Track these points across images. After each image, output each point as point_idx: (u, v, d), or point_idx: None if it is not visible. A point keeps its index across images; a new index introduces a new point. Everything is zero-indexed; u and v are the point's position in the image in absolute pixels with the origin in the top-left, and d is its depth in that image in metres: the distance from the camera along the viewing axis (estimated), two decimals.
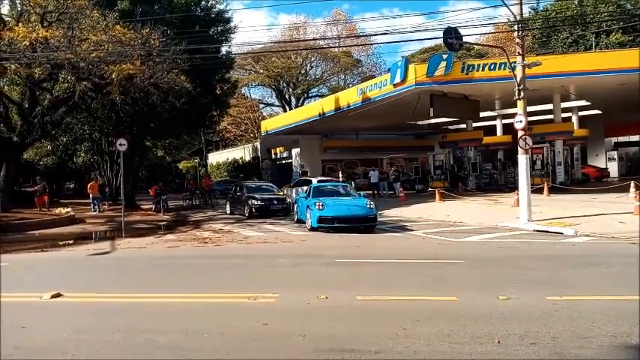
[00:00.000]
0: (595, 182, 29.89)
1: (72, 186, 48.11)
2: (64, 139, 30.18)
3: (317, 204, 14.49)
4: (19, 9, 20.34)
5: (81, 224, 18.82)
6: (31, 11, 19.58)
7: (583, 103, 28.60)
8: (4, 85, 21.18)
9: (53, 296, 6.66)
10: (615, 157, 36.69)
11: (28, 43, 16.55)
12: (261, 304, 6.20)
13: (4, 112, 22.30)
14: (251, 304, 6.21)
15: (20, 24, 18.00)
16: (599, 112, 31.43)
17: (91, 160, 33.98)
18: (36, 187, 24.73)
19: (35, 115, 20.67)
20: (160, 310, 6.16)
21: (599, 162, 36.59)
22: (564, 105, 27.26)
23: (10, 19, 19.66)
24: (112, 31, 17.80)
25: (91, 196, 23.98)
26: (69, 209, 21.77)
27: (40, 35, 16.82)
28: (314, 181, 23.85)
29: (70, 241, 14.65)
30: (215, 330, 5.15)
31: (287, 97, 54.74)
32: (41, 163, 35.59)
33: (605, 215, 14.70)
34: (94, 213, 22.85)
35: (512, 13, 14.89)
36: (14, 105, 21.47)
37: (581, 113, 30.48)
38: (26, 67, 18.04)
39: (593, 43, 35.03)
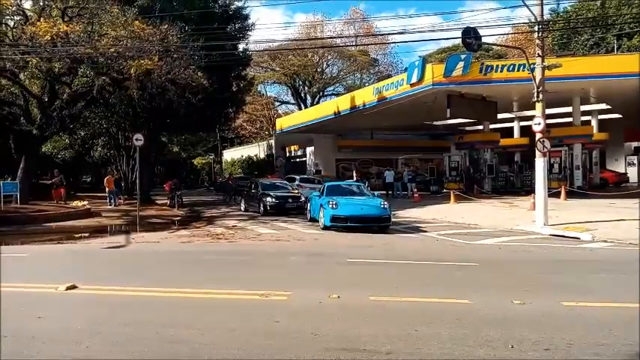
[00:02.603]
0: (614, 187, 29.40)
1: (89, 180, 48.80)
2: (82, 133, 30.57)
3: (330, 203, 14.46)
4: (41, 4, 20.65)
5: (97, 217, 19.05)
6: (53, 6, 19.87)
7: (603, 106, 28.15)
8: (25, 79, 21.47)
9: (68, 288, 6.74)
10: (635, 161, 36.05)
11: (49, 38, 16.79)
12: (274, 302, 6.20)
13: (25, 105, 22.66)
14: (263, 301, 6.21)
15: (42, 19, 18.27)
16: (620, 115, 30.91)
17: (108, 154, 34.45)
18: (53, 180, 25.13)
19: (54, 109, 20.96)
20: (172, 305, 6.20)
21: (619, 167, 35.98)
22: (584, 108, 26.85)
23: (32, 14, 19.94)
24: (131, 26, 17.95)
25: (107, 190, 24.28)
26: (85, 202, 22.07)
27: (60, 30, 17.05)
28: (297, 178, 27.81)
29: (86, 234, 14.86)
30: (227, 326, 5.16)
31: (302, 95, 54.77)
32: (59, 156, 36.13)
33: (624, 221, 14.45)
34: (110, 207, 23.12)
35: (533, 14, 14.70)
36: (34, 98, 21.79)
37: (601, 117, 30.00)
38: (47, 61, 18.29)
39: (615, 46, 34.45)
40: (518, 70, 21.90)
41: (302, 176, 29.63)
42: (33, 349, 4.51)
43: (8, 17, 20.86)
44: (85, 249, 12.27)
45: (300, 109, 50.96)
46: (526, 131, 28.24)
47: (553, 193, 18.48)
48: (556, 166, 25.61)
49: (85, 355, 4.39)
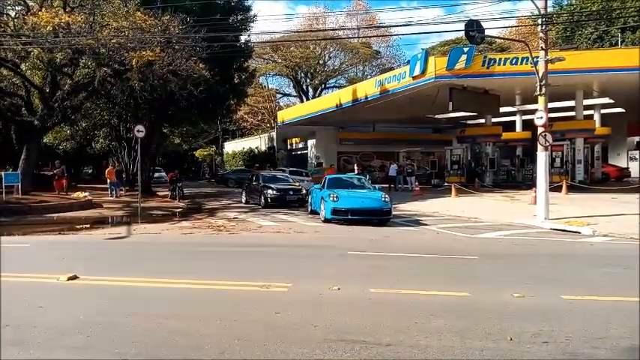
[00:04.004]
0: (615, 182, 29.37)
1: (90, 171, 48.87)
2: (84, 124, 30.53)
3: (331, 195, 14.47)
4: None
5: (98, 209, 19.09)
6: None
7: (606, 100, 28.03)
8: (27, 70, 21.42)
9: (70, 278, 6.77)
10: (637, 156, 35.95)
11: (50, 28, 16.72)
12: (274, 293, 6.23)
13: (26, 96, 22.63)
14: (264, 292, 6.24)
15: (43, 9, 18.19)
16: (623, 110, 30.80)
17: (109, 145, 34.41)
18: (55, 171, 25.14)
19: (56, 100, 20.93)
20: (173, 296, 6.23)
21: (621, 161, 35.91)
22: (587, 102, 26.76)
23: (33, 4, 19.86)
24: (133, 17, 17.87)
25: (108, 181, 24.29)
26: (86, 194, 22.08)
27: (62, 20, 16.97)
28: (286, 170, 29.37)
29: (87, 225, 14.89)
30: (227, 317, 5.19)
31: (304, 87, 54.61)
32: (60, 147, 36.15)
33: (625, 215, 14.45)
34: (111, 198, 23.14)
35: (537, 7, 14.62)
36: (36, 89, 21.74)
37: (603, 111, 29.88)
38: (48, 52, 18.23)
39: (619, 40, 34.25)
40: (521, 64, 21.81)
41: (290, 169, 30.88)
42: (34, 338, 4.54)
43: (10, 7, 20.79)
44: (87, 240, 12.32)
45: (301, 101, 50.84)
46: (528, 125, 28.19)
47: (554, 188, 18.46)
48: (558, 160, 25.59)
49: (86, 345, 4.41)
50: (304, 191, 19.75)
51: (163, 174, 36.64)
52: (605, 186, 24.38)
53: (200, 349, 4.30)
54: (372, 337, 4.55)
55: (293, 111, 42.64)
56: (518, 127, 32.26)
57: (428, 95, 25.06)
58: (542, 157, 14.67)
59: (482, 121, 31.20)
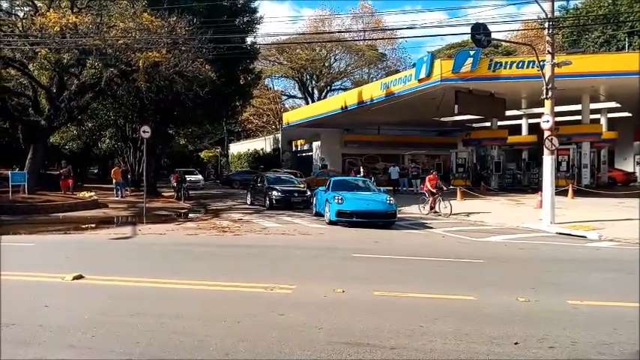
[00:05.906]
0: (622, 186, 29.19)
1: (96, 171, 49.02)
2: (90, 125, 30.67)
3: (336, 198, 14.46)
4: None
5: (103, 209, 19.16)
6: None
7: (613, 104, 27.90)
8: (34, 70, 21.56)
9: (75, 278, 6.79)
10: None
11: (58, 29, 16.84)
12: (278, 295, 6.22)
13: (33, 96, 22.77)
14: (268, 294, 6.23)
15: (51, 10, 18.31)
16: (629, 114, 30.64)
17: (115, 145, 34.54)
18: (61, 171, 25.26)
19: (62, 100, 21.06)
20: (177, 296, 6.23)
21: (627, 166, 35.68)
22: (593, 106, 26.63)
23: (41, 5, 20.00)
24: (140, 18, 17.96)
25: (114, 181, 24.39)
26: (92, 193, 22.16)
27: (69, 21, 17.10)
28: (280, 172, 28.21)
29: (93, 225, 14.94)
30: (231, 318, 5.18)
31: (310, 89, 54.64)
32: (67, 147, 36.31)
33: (631, 220, 14.34)
34: (117, 198, 23.22)
35: (543, 10, 14.57)
36: (43, 89, 21.89)
37: (610, 115, 29.75)
38: (55, 53, 18.35)
39: (626, 44, 34.10)
40: (527, 67, 21.75)
41: (285, 170, 30.95)
42: (40, 337, 4.55)
43: (18, 8, 20.93)
44: (92, 239, 12.36)
45: (307, 103, 50.87)
46: (534, 128, 28.05)
47: (560, 192, 18.37)
48: (564, 164, 25.47)
49: (91, 345, 4.42)
50: (309, 193, 19.75)
51: (198, 177, 35.11)
52: (611, 190, 24.21)
53: (204, 350, 4.29)
54: (377, 340, 4.54)
55: (298, 113, 42.68)
56: (524, 130, 32.13)
57: (433, 98, 25.03)
58: (548, 161, 14.61)
59: (488, 124, 31.09)
